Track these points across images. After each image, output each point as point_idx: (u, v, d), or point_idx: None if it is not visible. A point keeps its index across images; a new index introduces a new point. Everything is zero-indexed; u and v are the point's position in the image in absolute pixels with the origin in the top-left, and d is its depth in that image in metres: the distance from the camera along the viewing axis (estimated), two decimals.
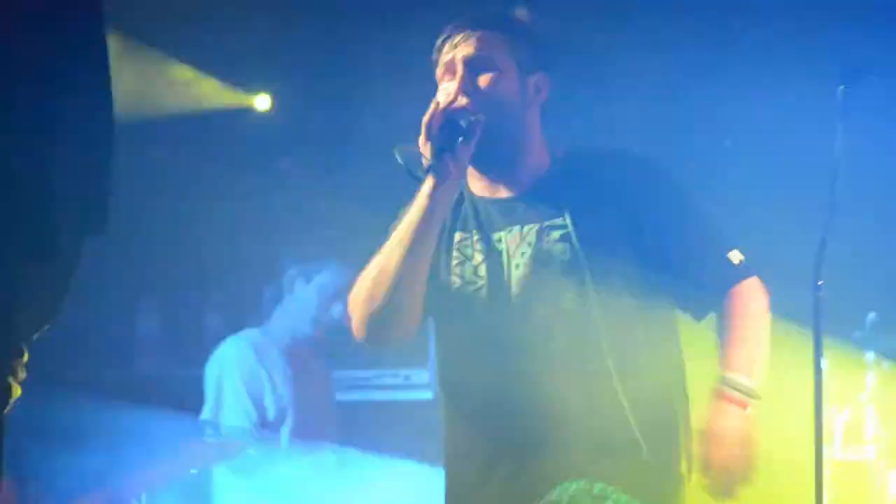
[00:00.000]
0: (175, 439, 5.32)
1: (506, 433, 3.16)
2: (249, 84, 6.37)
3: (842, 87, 3.01)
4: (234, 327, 5.17)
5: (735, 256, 3.19)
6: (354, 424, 5.30)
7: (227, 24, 5.55)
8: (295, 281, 4.91)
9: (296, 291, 4.91)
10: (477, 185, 3.27)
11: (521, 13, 3.32)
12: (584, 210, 3.17)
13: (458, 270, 3.24)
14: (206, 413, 4.80)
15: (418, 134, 3.11)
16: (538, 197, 3.21)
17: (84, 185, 2.20)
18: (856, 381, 5.44)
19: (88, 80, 2.21)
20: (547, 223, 3.18)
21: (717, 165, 5.54)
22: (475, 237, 3.23)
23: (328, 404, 5.10)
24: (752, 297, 3.20)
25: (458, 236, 3.26)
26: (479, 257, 3.22)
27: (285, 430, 4.83)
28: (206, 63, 6.05)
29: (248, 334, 4.94)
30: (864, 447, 5.49)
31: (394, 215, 3.23)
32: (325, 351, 5.10)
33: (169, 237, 6.44)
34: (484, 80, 3.19)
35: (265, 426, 4.79)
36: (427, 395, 5.88)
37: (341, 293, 4.85)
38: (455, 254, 3.25)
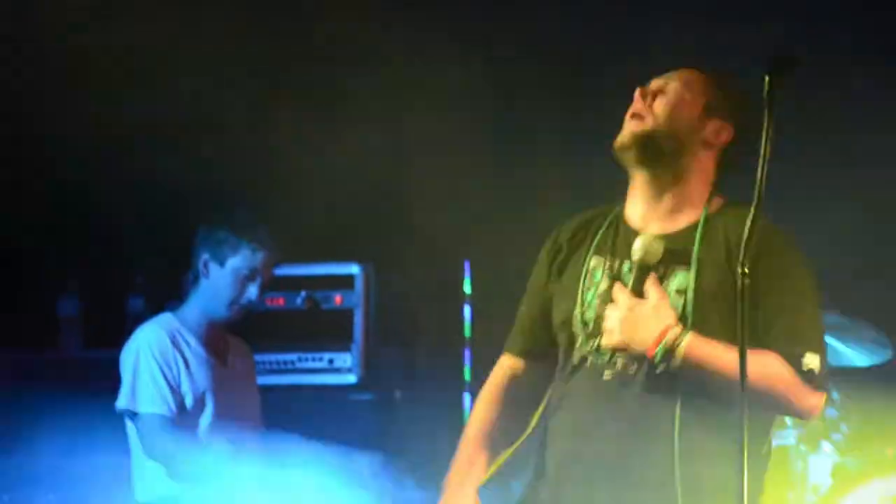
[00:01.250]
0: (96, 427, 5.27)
1: None
2: None
3: (767, 75, 3.00)
4: (156, 311, 5.11)
5: (811, 360, 3.18)
6: (277, 408, 5.26)
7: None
8: (209, 265, 4.86)
9: (210, 275, 4.86)
10: (634, 201, 3.38)
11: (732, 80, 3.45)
12: (708, 271, 3.24)
13: (586, 297, 3.32)
14: (121, 401, 4.72)
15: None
16: (675, 242, 3.28)
17: None
18: None
19: None
20: (671, 270, 3.26)
21: None
22: (606, 263, 3.34)
23: (249, 389, 5.05)
24: (798, 391, 3.19)
25: (593, 261, 3.37)
26: (604, 284, 3.31)
27: (205, 418, 4.77)
28: None
29: (164, 319, 4.87)
30: (785, 431, 5.53)
31: None
32: (244, 334, 5.06)
33: (94, 218, 6.38)
34: (666, 100, 3.35)
35: (183, 413, 4.73)
36: (350, 378, 5.86)
37: (256, 275, 4.83)
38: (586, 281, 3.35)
